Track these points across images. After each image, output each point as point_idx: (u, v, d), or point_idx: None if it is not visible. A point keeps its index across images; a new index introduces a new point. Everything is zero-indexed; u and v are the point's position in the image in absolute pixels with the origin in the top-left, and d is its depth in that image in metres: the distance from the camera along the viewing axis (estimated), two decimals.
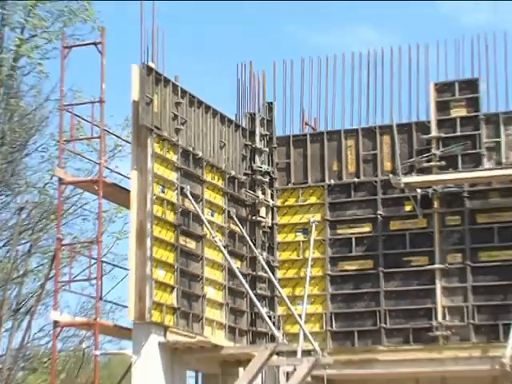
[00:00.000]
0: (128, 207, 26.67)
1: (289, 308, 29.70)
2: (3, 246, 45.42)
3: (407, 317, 29.81)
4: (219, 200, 29.77)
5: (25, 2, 39.87)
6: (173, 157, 27.17)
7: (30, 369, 46.51)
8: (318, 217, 31.30)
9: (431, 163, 30.13)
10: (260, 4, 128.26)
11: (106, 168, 27.79)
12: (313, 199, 31.64)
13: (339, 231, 31.18)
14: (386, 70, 31.38)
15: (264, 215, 31.63)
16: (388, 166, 30.78)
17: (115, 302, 31.65)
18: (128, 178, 27.14)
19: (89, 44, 27.19)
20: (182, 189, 27.15)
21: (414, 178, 29.60)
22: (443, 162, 29.88)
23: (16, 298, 46.19)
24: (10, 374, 45.66)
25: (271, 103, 32.19)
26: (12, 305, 45.83)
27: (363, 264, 30.65)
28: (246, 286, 27.85)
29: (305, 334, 28.74)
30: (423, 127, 30.69)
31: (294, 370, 27.75)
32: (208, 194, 28.93)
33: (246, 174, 31.39)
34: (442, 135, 30.28)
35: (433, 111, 30.24)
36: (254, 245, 30.58)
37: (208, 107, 29.37)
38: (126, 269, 28.24)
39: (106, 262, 29.59)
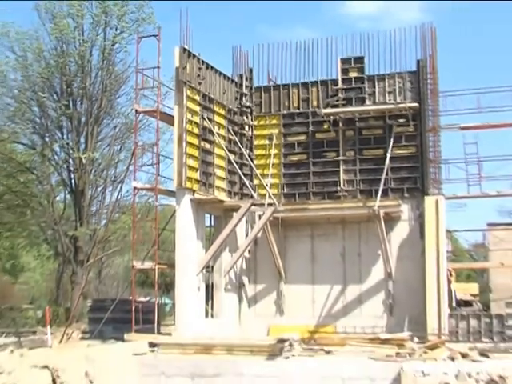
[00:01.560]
0: (173, 125, 29.44)
1: (260, 180, 32.37)
2: (107, 146, 50.33)
3: (325, 186, 32.43)
4: (222, 121, 32.17)
5: (117, 12, 44.67)
6: (197, 97, 29.87)
7: (122, 212, 50.41)
8: (276, 131, 33.65)
9: (339, 102, 32.53)
10: None
11: (162, 104, 30.62)
12: (274, 121, 33.90)
13: (288, 138, 33.52)
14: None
15: (247, 130, 33.78)
16: (315, 103, 33.05)
17: (166, 176, 33.93)
18: (172, 109, 29.66)
19: (152, 36, 30.77)
20: (202, 115, 30.04)
21: (329, 110, 32.26)
22: (345, 101, 32.45)
23: (113, 174, 50.45)
24: (111, 215, 50.12)
25: (251, 68, 34.31)
26: (112, 177, 50.21)
27: (301, 157, 33.13)
28: (238, 168, 31.69)
29: (269, 194, 31.20)
30: (335, 82, 32.79)
31: (263, 213, 30.39)
32: (216, 118, 31.57)
33: (237, 108, 33.46)
34: (344, 86, 32.68)
35: (339, 73, 32.64)
36: (242, 146, 32.85)
37: (216, 70, 31.80)
38: (171, 158, 30.64)
39: (161, 155, 32.43)
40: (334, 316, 31.23)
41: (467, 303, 41.12)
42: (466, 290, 45.45)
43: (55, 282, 57.26)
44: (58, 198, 51.44)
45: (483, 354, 23.31)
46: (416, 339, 26.06)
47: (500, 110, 29.38)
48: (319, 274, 31.70)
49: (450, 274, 33.88)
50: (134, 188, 30.75)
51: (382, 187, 30.09)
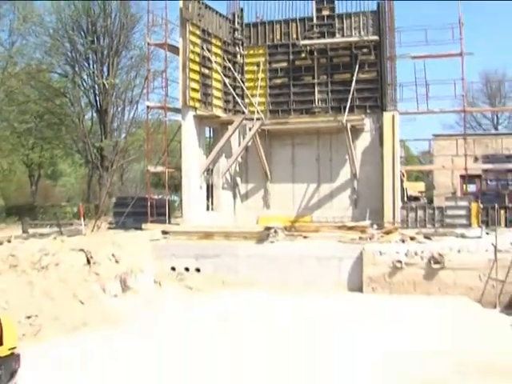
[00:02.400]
0: (178, 55, 29.14)
1: (250, 99, 32.13)
2: (125, 73, 50.40)
3: (303, 104, 32.13)
4: (219, 52, 31.63)
5: None
6: (197, 32, 29.58)
7: (138, 127, 50.68)
8: (263, 59, 32.92)
9: (314, 35, 31.93)
10: None
11: (169, 38, 29.82)
12: (261, 51, 33.19)
13: (273, 65, 32.86)
14: None
15: (239, 58, 33.21)
16: (295, 36, 32.49)
17: (173, 97, 32.62)
18: (178, 42, 29.28)
19: None
20: (202, 46, 29.80)
21: (306, 42, 31.74)
22: (319, 35, 31.84)
23: (130, 96, 50.80)
24: (129, 129, 50.97)
25: (242, 8, 33.71)
26: (129, 99, 50.60)
27: (283, 80, 32.66)
28: (231, 89, 31.64)
29: (257, 111, 31.00)
30: (311, 19, 32.21)
31: (252, 126, 30.33)
32: (214, 49, 31.11)
33: (231, 40, 32.76)
34: (318, 23, 32.04)
35: (314, 12, 32.04)
36: (235, 71, 32.35)
37: (213, 9, 31.34)
38: (177, 82, 29.82)
39: (169, 80, 31.97)
40: (310, 208, 31.51)
41: (416, 198, 41.53)
42: (415, 187, 45.88)
43: (86, 185, 58.62)
44: (86, 117, 52.22)
45: (427, 237, 23.68)
46: (375, 226, 26.35)
47: (443, 43, 29.20)
48: (298, 175, 31.85)
49: (403, 175, 34.13)
50: (147, 107, 31.21)
51: (349, 105, 29.96)
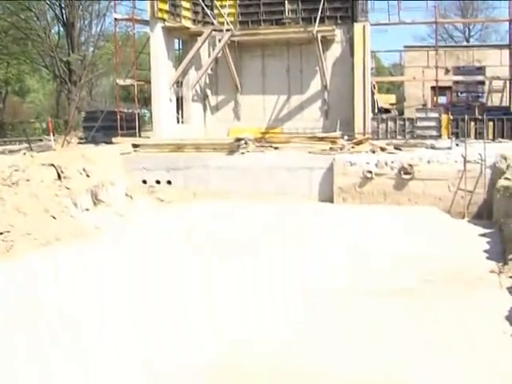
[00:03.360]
0: None
1: (219, 10, 30.78)
2: None
3: (273, 14, 30.75)
4: None
5: None
6: None
7: (106, 40, 49.68)
8: None
9: None
10: None
11: None
12: None
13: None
14: None
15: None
16: None
17: (141, 9, 31.61)
18: None
19: None
20: None
21: None
22: None
23: (98, 9, 49.58)
24: (97, 43, 50.07)
25: None
26: (97, 12, 49.50)
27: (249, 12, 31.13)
28: (200, 0, 30.58)
29: (227, 22, 29.88)
30: None
31: (222, 37, 29.24)
32: None
33: None
34: None
35: None
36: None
37: None
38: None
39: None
40: (280, 120, 31.20)
41: (387, 110, 41.42)
42: (386, 99, 45.58)
43: (55, 100, 58.06)
44: (53, 31, 51.23)
45: (397, 148, 23.75)
46: (346, 137, 26.21)
47: None
48: (268, 87, 31.24)
49: (374, 87, 33.98)
50: (115, 19, 30.17)
51: (319, 15, 29.14)
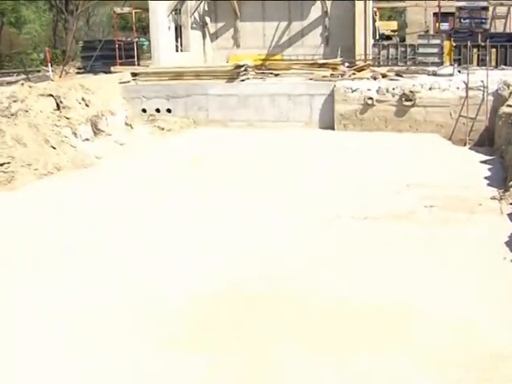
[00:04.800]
0: None
1: None
2: None
3: None
4: None
5: None
6: None
7: None
8: None
9: None
10: None
11: None
12: None
13: None
14: None
15: None
16: None
17: None
18: None
19: None
20: None
21: None
22: None
23: None
24: None
25: None
26: None
27: None
28: None
29: None
30: None
31: None
32: None
33: None
34: None
35: None
36: None
37: None
38: None
39: None
40: (281, 46, 30.87)
41: (388, 37, 41.04)
42: (388, 26, 45.17)
43: (52, 31, 57.01)
44: None
45: (399, 74, 23.39)
46: (346, 64, 25.90)
47: None
48: (268, 13, 30.71)
49: (375, 13, 33.51)
50: None
51: None
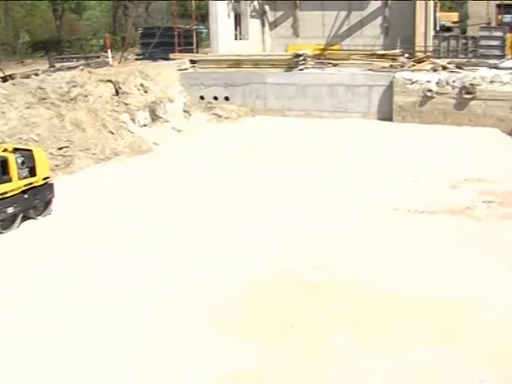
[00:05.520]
0: None
1: None
2: None
3: None
4: None
5: None
6: None
7: None
8: None
9: None
10: None
11: None
12: None
13: None
14: None
15: None
16: None
17: None
18: None
19: None
20: None
21: None
22: None
23: None
24: None
25: None
26: None
27: None
28: None
29: None
30: None
31: None
32: None
33: None
34: None
35: None
36: None
37: None
38: None
39: None
40: (340, 37, 30.58)
41: (448, 29, 40.33)
42: (449, 17, 44.44)
43: (112, 17, 57.40)
44: None
45: (459, 67, 23.06)
46: (406, 55, 25.57)
47: None
48: (328, 2, 30.17)
49: (436, 4, 32.94)
50: None
51: None
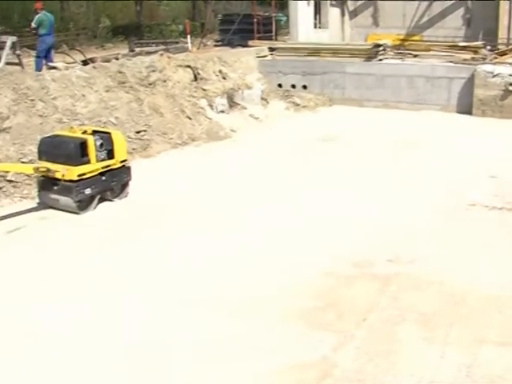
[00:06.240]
0: None
1: None
2: None
3: None
4: None
5: None
6: None
7: None
8: None
9: None
10: None
11: None
12: None
13: None
14: None
15: None
16: None
17: None
18: None
19: None
20: None
21: None
22: None
23: None
24: None
25: None
26: None
27: None
28: None
29: None
30: None
31: None
32: None
33: None
34: None
35: None
36: None
37: None
38: None
39: None
40: (420, 27, 30.03)
41: None
42: None
43: (191, 3, 57.87)
44: None
45: None
46: (488, 47, 24.95)
47: None
48: None
49: None
50: None
51: None
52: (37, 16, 21.57)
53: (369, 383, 6.70)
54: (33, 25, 21.58)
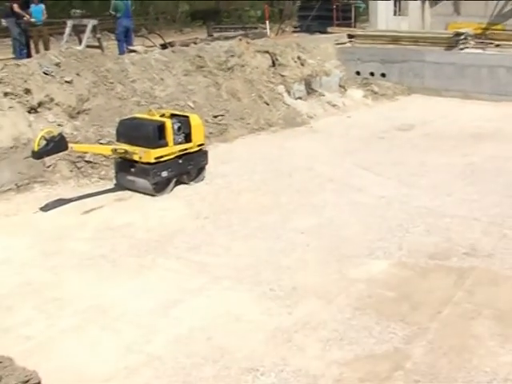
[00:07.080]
0: None
1: None
2: None
3: None
4: None
5: None
6: None
7: None
8: None
9: None
10: None
11: None
12: None
13: None
14: None
15: None
16: None
17: None
18: None
19: None
20: None
21: None
22: None
23: None
24: None
25: None
26: None
27: None
28: None
29: None
30: None
31: None
32: None
33: None
34: None
35: None
36: None
37: None
38: None
39: None
40: (503, 16, 28.97)
41: None
42: None
43: None
44: None
45: None
46: None
47: None
48: None
49: None
50: None
51: None
52: (112, 2, 22.67)
53: (441, 378, 6.60)
54: (110, 11, 22.85)
